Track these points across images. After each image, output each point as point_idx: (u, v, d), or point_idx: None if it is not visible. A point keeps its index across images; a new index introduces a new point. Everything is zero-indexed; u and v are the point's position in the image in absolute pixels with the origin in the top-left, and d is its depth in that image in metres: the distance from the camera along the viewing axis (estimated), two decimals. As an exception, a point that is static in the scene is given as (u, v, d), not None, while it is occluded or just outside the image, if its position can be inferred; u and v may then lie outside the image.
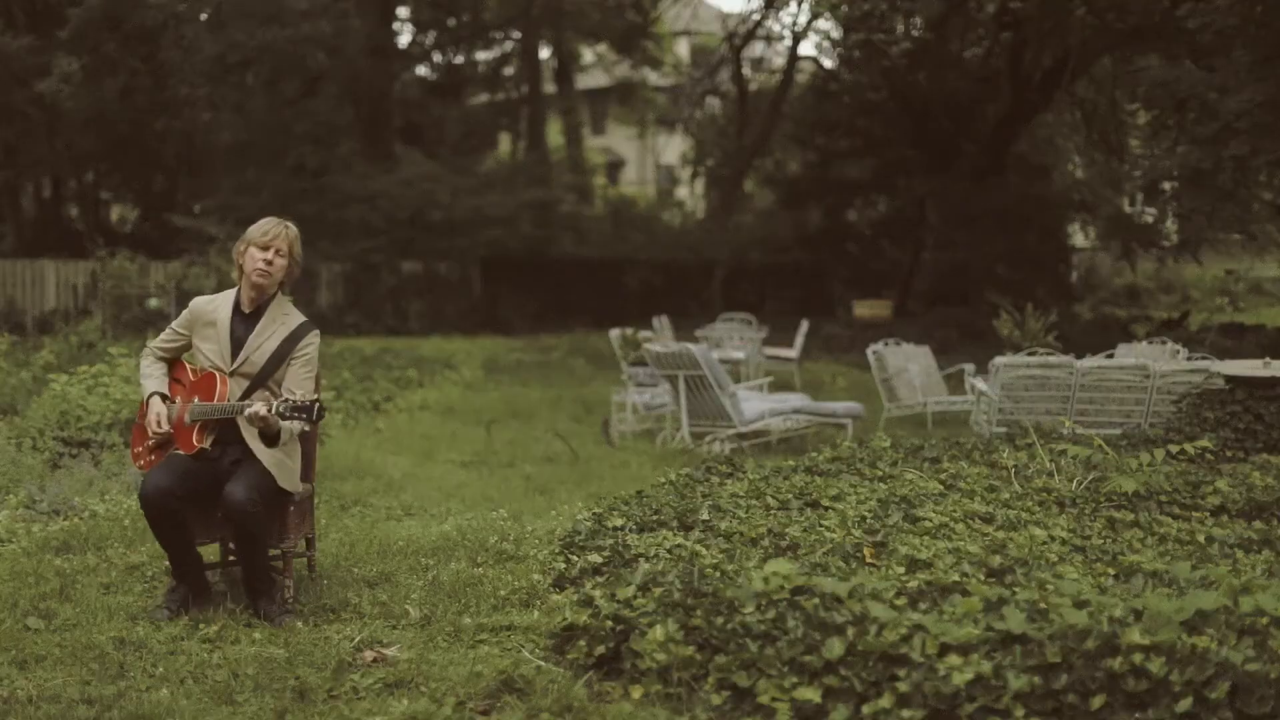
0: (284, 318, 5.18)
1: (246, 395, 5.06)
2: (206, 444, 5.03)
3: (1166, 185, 17.11)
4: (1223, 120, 14.17)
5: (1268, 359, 8.69)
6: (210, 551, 5.86)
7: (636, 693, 4.02)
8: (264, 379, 5.07)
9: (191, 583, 5.07)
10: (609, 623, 4.30)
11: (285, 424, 4.89)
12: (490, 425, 11.58)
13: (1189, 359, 10.10)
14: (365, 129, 27.53)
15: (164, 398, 5.19)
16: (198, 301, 5.30)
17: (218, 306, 5.20)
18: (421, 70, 34.14)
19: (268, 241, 5.09)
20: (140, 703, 3.99)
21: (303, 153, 25.37)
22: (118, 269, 19.99)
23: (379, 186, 25.12)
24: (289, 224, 5.19)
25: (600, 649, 4.26)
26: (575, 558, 5.24)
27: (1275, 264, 25.77)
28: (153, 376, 5.28)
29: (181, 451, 5.03)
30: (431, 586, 5.35)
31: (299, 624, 4.86)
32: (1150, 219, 22.88)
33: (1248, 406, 8.12)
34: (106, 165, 25.48)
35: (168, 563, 5.18)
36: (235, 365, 5.09)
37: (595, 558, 5.11)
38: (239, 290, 5.20)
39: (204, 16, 22.73)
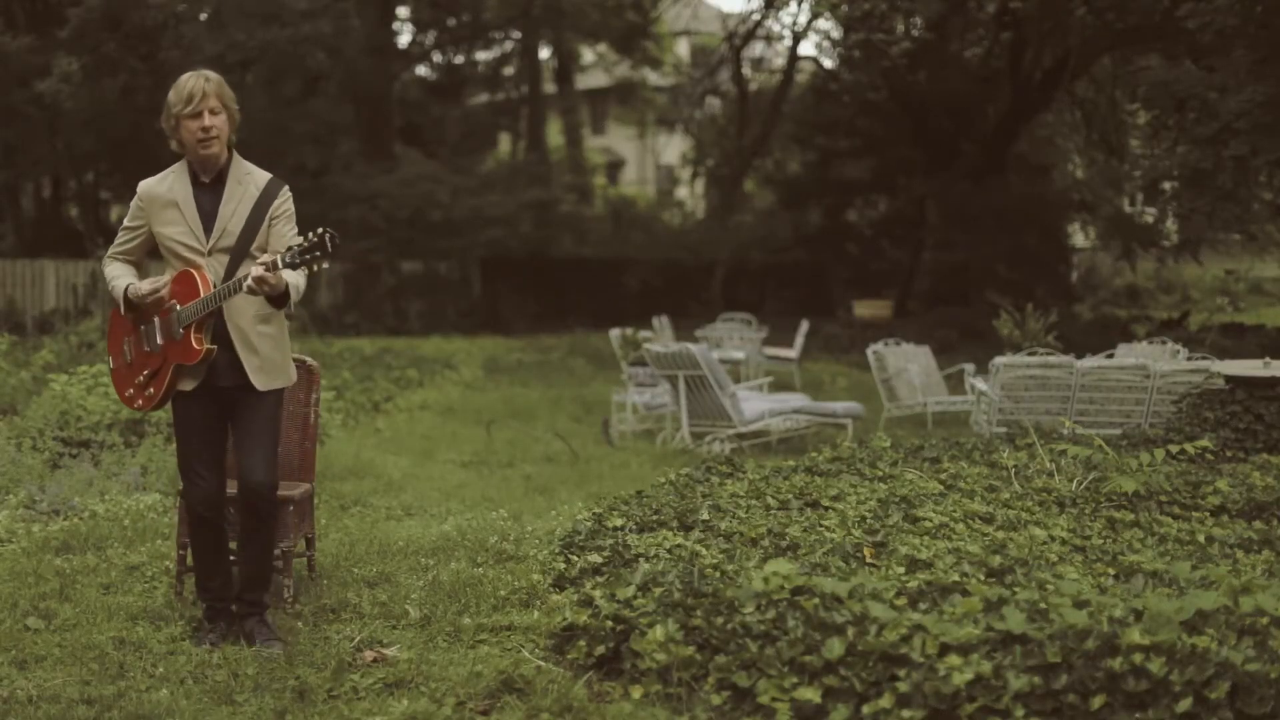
0: (247, 178, 4.61)
1: (230, 273, 4.51)
2: (209, 343, 4.51)
3: (1166, 185, 17.10)
4: (1223, 120, 14.16)
5: (1268, 359, 8.68)
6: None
7: (636, 693, 4.02)
8: (245, 248, 4.54)
9: (225, 608, 4.72)
10: (609, 623, 4.30)
11: (293, 278, 4.41)
12: (490, 425, 11.58)
13: (1189, 359, 10.10)
14: (365, 129, 27.52)
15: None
16: (146, 185, 4.66)
17: (172, 185, 4.60)
18: (421, 70, 34.17)
19: (196, 107, 4.46)
20: (140, 703, 3.99)
21: (303, 153, 25.35)
22: (118, 269, 19.96)
23: (379, 186, 25.12)
24: (207, 74, 4.54)
25: (600, 649, 4.26)
26: (575, 558, 5.24)
27: (1275, 264, 25.76)
28: (122, 276, 4.69)
29: (186, 364, 4.52)
30: (431, 586, 5.35)
31: (299, 624, 4.86)
32: (1150, 219, 22.87)
33: (1248, 406, 8.12)
34: (106, 165, 25.44)
35: (196, 576, 4.80)
36: (212, 242, 4.53)
37: (595, 558, 5.10)
38: (188, 163, 4.60)
39: (204, 16, 22.72)
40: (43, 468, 7.56)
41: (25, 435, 8.15)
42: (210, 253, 4.53)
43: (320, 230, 4.25)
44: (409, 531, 6.57)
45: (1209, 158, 14.37)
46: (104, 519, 6.54)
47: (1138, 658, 3.53)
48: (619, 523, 5.60)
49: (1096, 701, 3.47)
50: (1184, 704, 3.42)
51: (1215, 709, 3.43)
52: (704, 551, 5.02)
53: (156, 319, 4.61)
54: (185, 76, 4.54)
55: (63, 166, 24.78)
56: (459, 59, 33.87)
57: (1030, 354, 10.23)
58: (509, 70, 34.27)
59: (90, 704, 3.98)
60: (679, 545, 5.13)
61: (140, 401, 4.70)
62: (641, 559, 4.95)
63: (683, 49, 39.93)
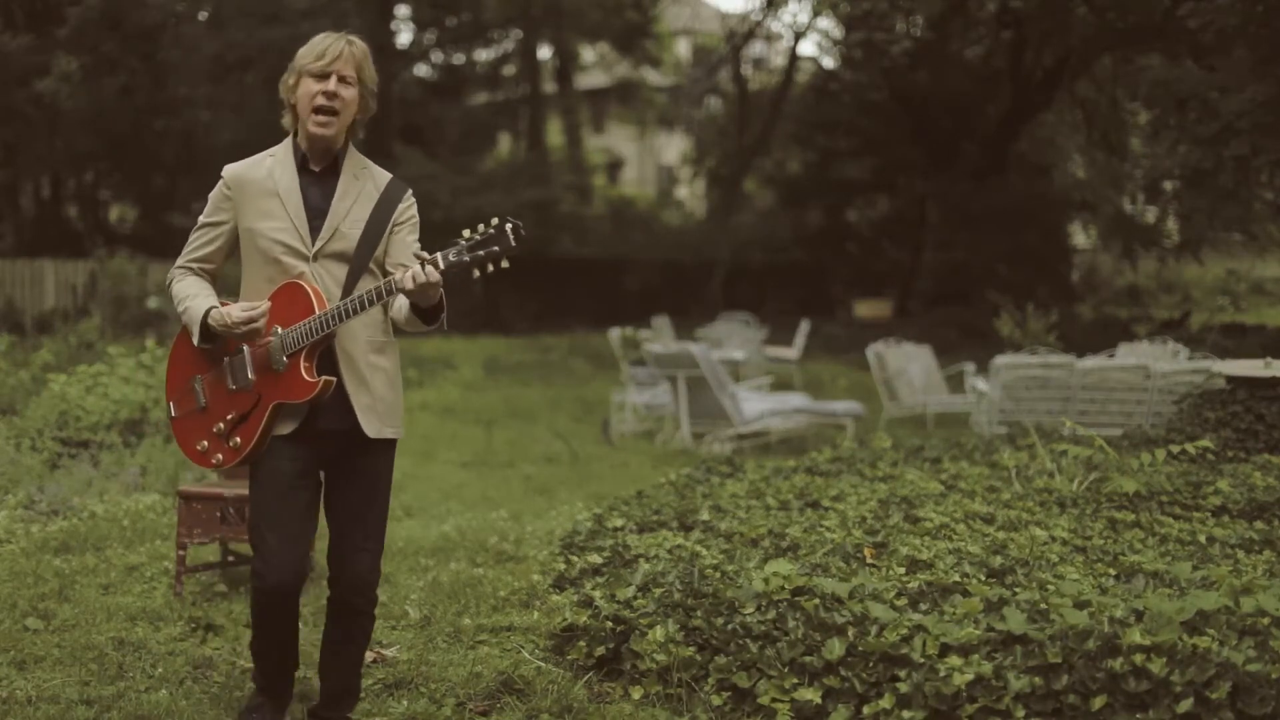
0: (364, 174, 3.73)
1: (348, 287, 3.56)
2: (318, 375, 3.52)
3: (1167, 185, 17.12)
4: (1223, 120, 14.17)
5: (1269, 359, 8.67)
6: (210, 551, 5.86)
7: (636, 693, 4.02)
8: (365, 259, 3.60)
9: (282, 687, 3.83)
10: (609, 623, 4.29)
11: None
12: (490, 425, 11.57)
13: (1190, 359, 10.09)
14: (364, 128, 27.51)
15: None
16: (236, 169, 3.73)
17: (272, 169, 3.67)
18: (421, 70, 34.14)
19: (326, 66, 3.60)
20: (139, 703, 3.98)
21: (300, 154, 25.34)
22: (117, 269, 20.00)
23: (378, 186, 25.10)
24: (352, 38, 3.69)
25: (600, 650, 4.26)
26: (575, 558, 5.23)
27: (1276, 264, 25.76)
28: (200, 294, 3.68)
29: (294, 401, 3.51)
30: (431, 587, 5.34)
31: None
32: (1151, 219, 22.89)
33: (1249, 406, 8.11)
34: (106, 165, 25.45)
35: (255, 665, 3.86)
36: (320, 244, 3.60)
37: (595, 558, 5.10)
38: (295, 144, 3.71)
39: (203, 16, 22.74)
40: (42, 468, 7.56)
41: (25, 435, 8.14)
42: (316, 257, 3.60)
43: (498, 220, 3.32)
44: (409, 532, 6.57)
45: (1210, 157, 14.38)
46: (103, 519, 6.53)
47: (1138, 658, 3.52)
48: (619, 523, 5.60)
49: (1097, 702, 3.47)
50: (1185, 705, 3.42)
51: (1216, 709, 3.43)
52: (704, 552, 5.02)
53: (246, 347, 3.60)
54: (325, 34, 3.73)
55: (62, 166, 24.79)
56: (459, 59, 33.86)
57: (1031, 354, 10.22)
58: (509, 70, 34.26)
59: (89, 704, 3.98)
60: (679, 545, 5.12)
61: (220, 455, 3.63)
62: (641, 559, 4.94)
63: (683, 49, 39.92)
